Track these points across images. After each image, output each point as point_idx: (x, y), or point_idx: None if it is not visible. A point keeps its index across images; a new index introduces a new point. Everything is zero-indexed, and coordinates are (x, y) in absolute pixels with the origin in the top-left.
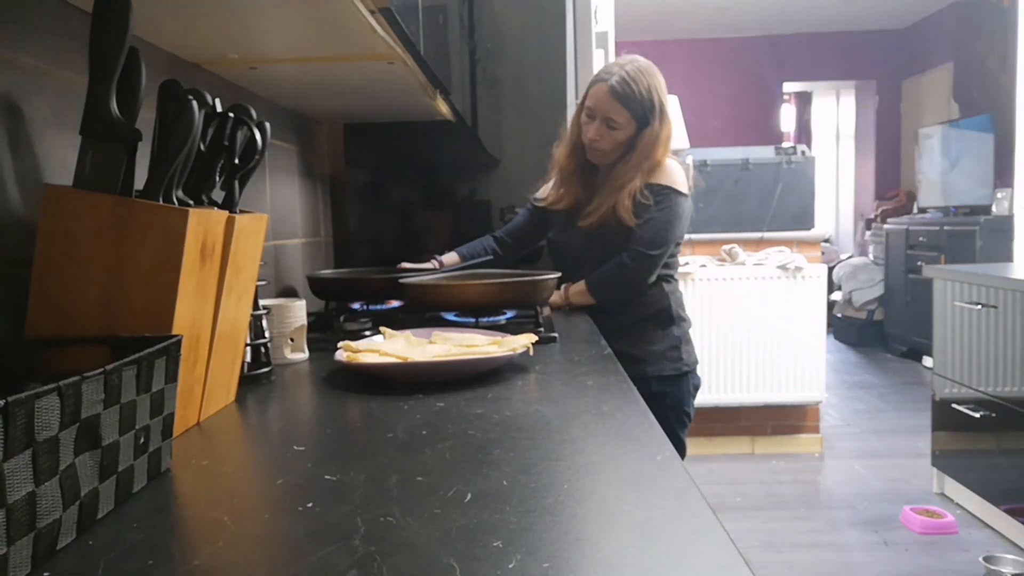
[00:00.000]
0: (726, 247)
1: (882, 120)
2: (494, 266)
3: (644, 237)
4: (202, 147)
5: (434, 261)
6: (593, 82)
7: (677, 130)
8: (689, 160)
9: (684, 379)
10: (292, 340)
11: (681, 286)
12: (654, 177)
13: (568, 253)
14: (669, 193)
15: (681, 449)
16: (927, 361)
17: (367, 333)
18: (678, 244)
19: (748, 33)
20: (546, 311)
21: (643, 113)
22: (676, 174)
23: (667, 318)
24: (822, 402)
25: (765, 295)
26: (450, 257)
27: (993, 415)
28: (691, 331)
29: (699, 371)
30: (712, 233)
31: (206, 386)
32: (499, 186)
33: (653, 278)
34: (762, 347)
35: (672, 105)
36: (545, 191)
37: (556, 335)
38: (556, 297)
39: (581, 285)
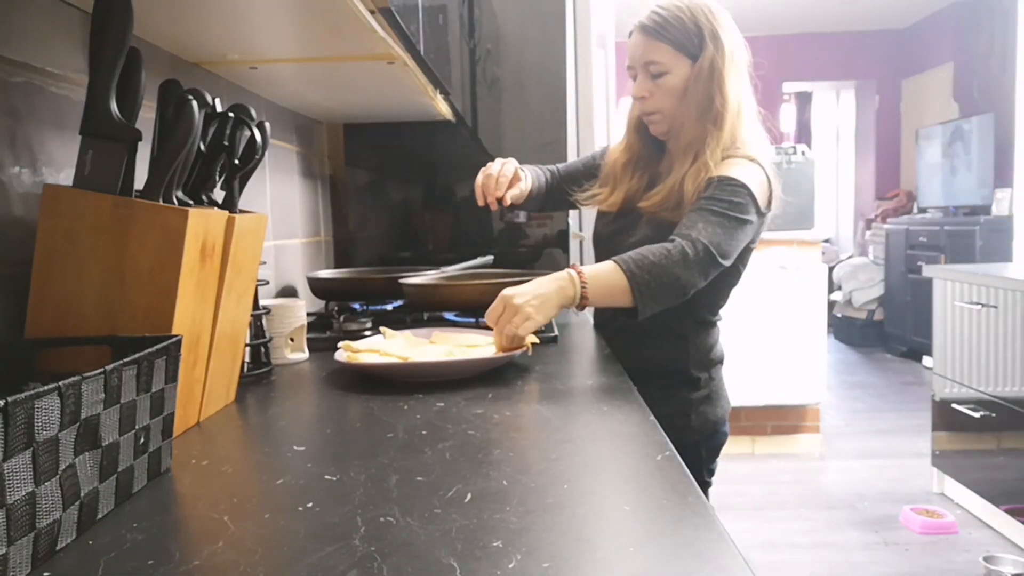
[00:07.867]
0: None
1: (882, 120)
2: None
3: (706, 229)
4: (202, 147)
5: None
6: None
7: None
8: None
9: (694, 447)
10: (292, 340)
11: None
12: (726, 167)
13: (619, 249)
14: (742, 191)
15: None
16: (927, 361)
17: (367, 333)
18: (728, 274)
19: (748, 33)
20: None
21: (690, 41)
22: (754, 176)
23: (677, 380)
24: (822, 402)
25: (765, 295)
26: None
27: (993, 415)
28: (721, 374)
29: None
30: None
31: (206, 386)
32: None
33: (701, 285)
34: (762, 347)
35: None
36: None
37: (556, 335)
38: (557, 291)
39: (608, 270)
